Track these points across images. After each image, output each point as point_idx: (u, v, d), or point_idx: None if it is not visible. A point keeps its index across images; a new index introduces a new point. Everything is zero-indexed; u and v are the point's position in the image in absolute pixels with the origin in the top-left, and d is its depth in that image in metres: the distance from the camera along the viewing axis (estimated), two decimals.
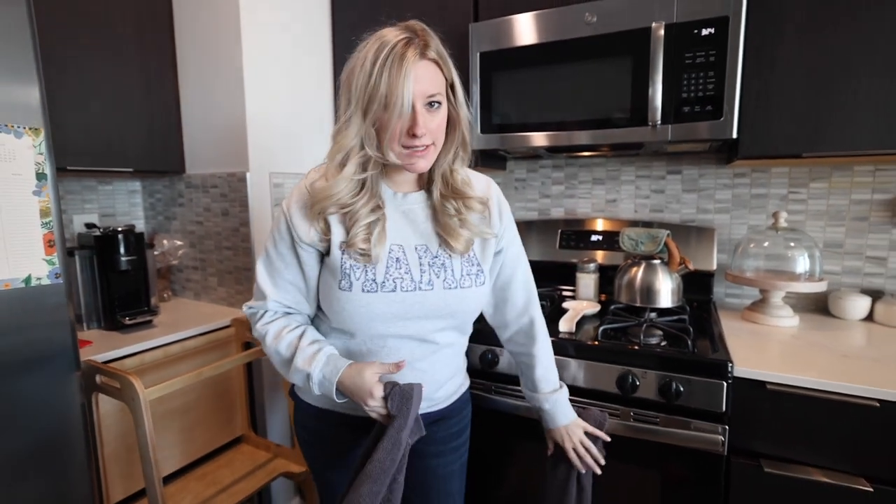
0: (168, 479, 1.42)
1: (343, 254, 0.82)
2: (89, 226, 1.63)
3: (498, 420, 1.26)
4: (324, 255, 0.86)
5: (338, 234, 0.83)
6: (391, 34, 0.75)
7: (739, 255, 1.47)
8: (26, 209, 0.95)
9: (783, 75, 1.18)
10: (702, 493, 1.07)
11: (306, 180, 0.86)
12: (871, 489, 0.95)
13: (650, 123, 1.24)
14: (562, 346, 1.18)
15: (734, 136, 1.20)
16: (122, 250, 1.50)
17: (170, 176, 1.84)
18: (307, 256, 0.86)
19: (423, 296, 0.84)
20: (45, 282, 0.97)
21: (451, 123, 0.83)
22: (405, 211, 0.87)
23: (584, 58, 1.31)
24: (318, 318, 0.93)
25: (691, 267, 1.37)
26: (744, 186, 1.54)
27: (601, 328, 1.22)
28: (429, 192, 0.88)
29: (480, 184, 0.93)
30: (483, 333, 1.13)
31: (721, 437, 1.03)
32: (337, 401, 0.83)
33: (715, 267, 1.52)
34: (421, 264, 0.85)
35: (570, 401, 0.99)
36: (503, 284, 0.98)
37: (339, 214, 0.82)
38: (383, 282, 0.82)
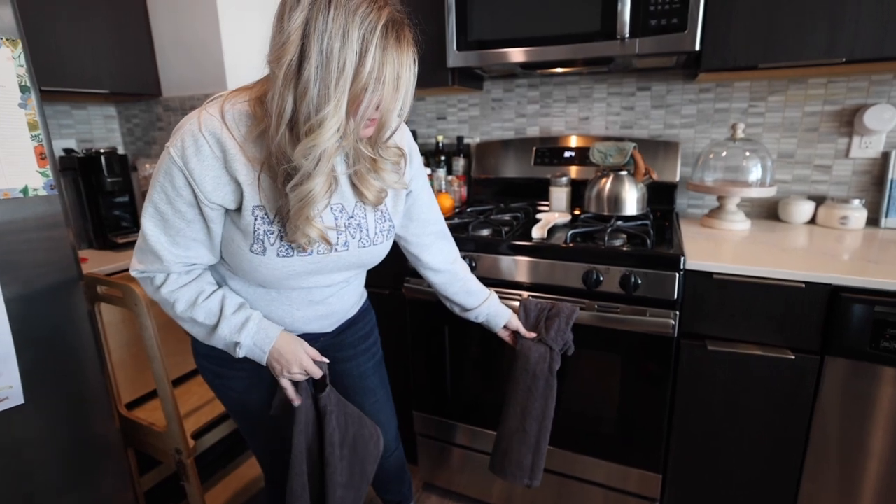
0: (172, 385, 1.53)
1: (256, 219, 0.76)
2: (68, 150, 1.63)
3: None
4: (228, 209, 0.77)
5: (251, 195, 0.74)
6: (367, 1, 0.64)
7: (700, 166, 1.57)
8: (15, 122, 0.97)
9: None
10: (655, 372, 1.22)
11: (216, 124, 0.71)
12: (793, 357, 1.11)
13: (619, 37, 1.28)
14: (533, 250, 1.29)
15: (697, 48, 1.25)
16: (105, 171, 1.53)
17: (146, 99, 1.82)
18: (214, 214, 0.76)
19: (338, 256, 0.84)
20: (42, 192, 1.01)
21: None
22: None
23: None
24: (218, 264, 0.86)
25: (655, 177, 1.47)
26: (708, 101, 1.61)
27: (570, 233, 1.33)
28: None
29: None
30: None
31: (673, 322, 1.17)
32: (263, 364, 0.86)
33: (678, 178, 1.62)
34: (337, 226, 0.82)
35: (543, 298, 1.10)
36: (412, 214, 0.99)
37: (253, 172, 0.73)
38: (299, 246, 0.79)
